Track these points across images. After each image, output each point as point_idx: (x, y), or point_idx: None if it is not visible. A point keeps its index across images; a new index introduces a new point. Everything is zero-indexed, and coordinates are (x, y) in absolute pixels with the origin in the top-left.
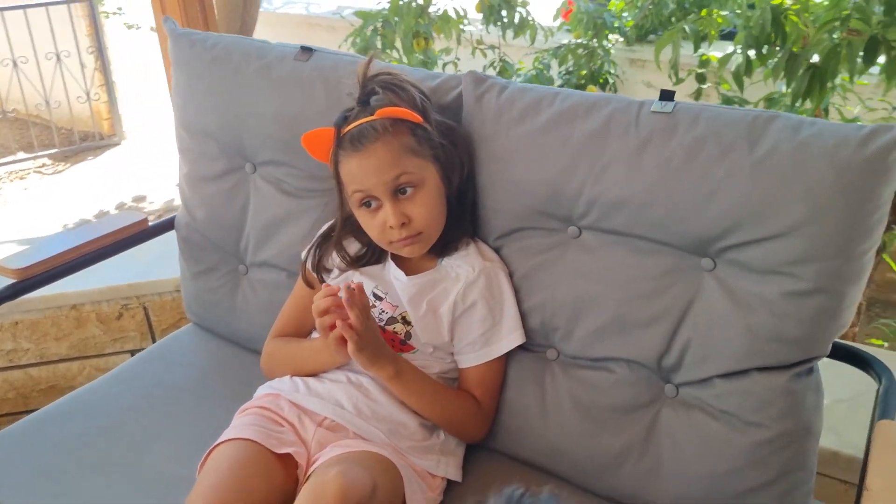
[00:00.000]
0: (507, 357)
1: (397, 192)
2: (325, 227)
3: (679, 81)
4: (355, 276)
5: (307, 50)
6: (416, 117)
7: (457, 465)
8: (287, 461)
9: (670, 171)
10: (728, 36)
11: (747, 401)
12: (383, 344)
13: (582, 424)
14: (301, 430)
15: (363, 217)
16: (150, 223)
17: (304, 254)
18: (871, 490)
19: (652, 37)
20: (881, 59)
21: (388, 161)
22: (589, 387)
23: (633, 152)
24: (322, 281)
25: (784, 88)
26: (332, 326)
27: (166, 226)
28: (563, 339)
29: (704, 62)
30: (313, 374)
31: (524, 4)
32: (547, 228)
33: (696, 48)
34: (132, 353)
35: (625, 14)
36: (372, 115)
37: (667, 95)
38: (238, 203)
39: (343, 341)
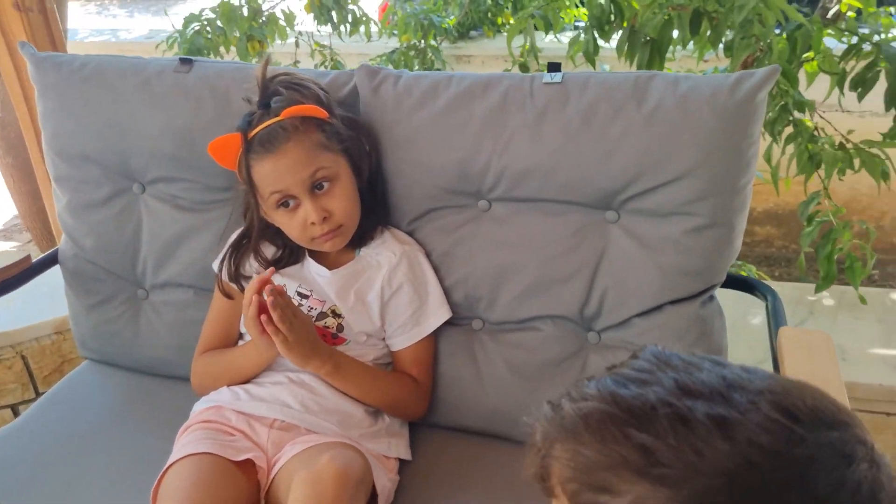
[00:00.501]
0: (436, 334)
1: (314, 188)
2: (234, 236)
3: (524, 69)
4: (276, 279)
5: (186, 61)
6: (323, 113)
7: (405, 444)
8: (247, 467)
9: (570, 136)
10: None
11: (665, 333)
12: (317, 340)
13: (517, 384)
14: (253, 436)
15: (282, 218)
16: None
17: (216, 265)
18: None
19: (473, 33)
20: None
21: (303, 159)
22: (519, 348)
23: (533, 123)
24: (242, 289)
25: (630, 65)
26: (258, 316)
27: (51, 260)
28: (488, 307)
29: (529, 50)
30: (250, 379)
31: (355, 2)
32: (458, 206)
33: (547, 33)
34: (13, 407)
35: (445, 14)
36: (278, 115)
37: (554, 67)
38: (129, 226)
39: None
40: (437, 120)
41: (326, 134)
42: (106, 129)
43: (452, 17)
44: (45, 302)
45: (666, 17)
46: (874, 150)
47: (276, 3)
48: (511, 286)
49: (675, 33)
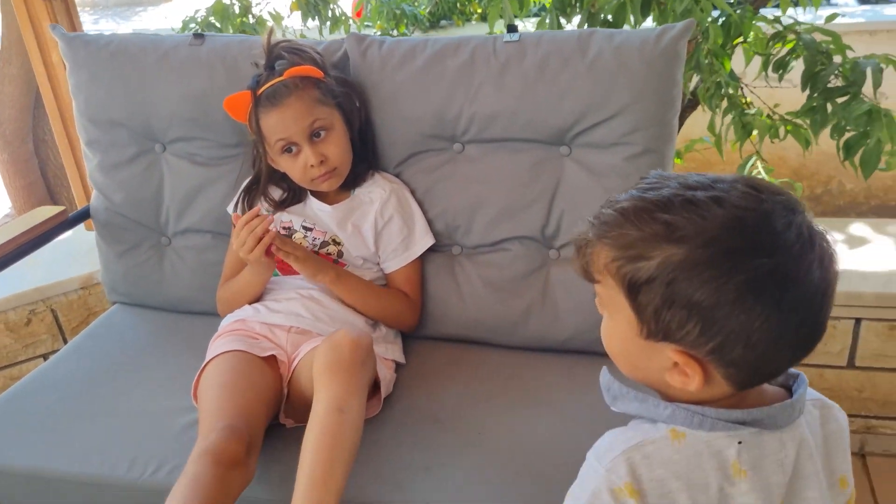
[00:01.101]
0: (422, 259)
1: (313, 136)
2: (245, 182)
3: None
4: (285, 216)
5: (199, 36)
6: (319, 73)
7: (399, 350)
8: (271, 363)
9: (528, 84)
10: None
11: None
12: (319, 258)
13: (492, 296)
14: (274, 339)
15: (286, 162)
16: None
17: (230, 208)
18: None
19: (444, 22)
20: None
21: (303, 111)
22: (492, 266)
23: (497, 75)
24: None
25: None
26: (253, 245)
27: (84, 214)
28: (465, 234)
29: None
30: (259, 296)
31: (335, 1)
32: (436, 149)
33: (519, 13)
34: (45, 356)
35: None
36: (281, 75)
37: (512, 29)
38: (154, 181)
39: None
40: (416, 77)
41: (322, 91)
42: (131, 96)
43: (423, 7)
44: (70, 261)
45: (621, 1)
46: (799, 121)
47: (265, 3)
48: (483, 215)
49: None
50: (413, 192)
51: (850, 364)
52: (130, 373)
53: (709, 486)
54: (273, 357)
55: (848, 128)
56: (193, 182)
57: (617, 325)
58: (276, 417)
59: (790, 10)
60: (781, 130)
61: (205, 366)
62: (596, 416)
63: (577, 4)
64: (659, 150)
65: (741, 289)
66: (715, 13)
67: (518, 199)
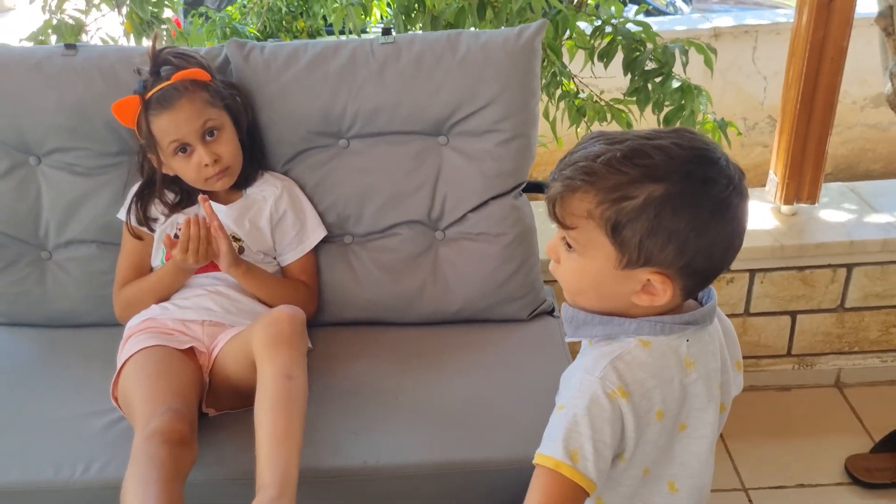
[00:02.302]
0: (316, 251)
1: (205, 135)
2: (135, 188)
3: None
4: (180, 218)
5: (71, 46)
6: (207, 76)
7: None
8: (189, 355)
9: (406, 80)
10: None
11: (491, 221)
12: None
13: (387, 278)
14: (189, 332)
15: (179, 164)
16: None
17: (123, 215)
18: None
19: (271, 40)
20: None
21: (195, 112)
22: (383, 251)
23: (377, 73)
24: (151, 230)
25: None
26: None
27: None
28: (356, 223)
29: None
30: (169, 296)
31: (168, 20)
32: (323, 146)
33: (360, 21)
34: None
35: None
36: (169, 80)
37: (387, 31)
38: (30, 195)
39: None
40: (300, 77)
41: (210, 93)
42: (2, 108)
43: (251, 26)
44: None
45: (459, 6)
46: (620, 107)
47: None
48: (372, 204)
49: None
50: (303, 188)
51: None
52: (31, 386)
53: (673, 379)
54: (191, 349)
55: (666, 103)
56: (75, 193)
57: (591, 261)
58: (199, 408)
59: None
60: (609, 116)
61: (122, 365)
62: (495, 373)
63: (420, 9)
64: (525, 134)
65: (711, 212)
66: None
67: (403, 187)
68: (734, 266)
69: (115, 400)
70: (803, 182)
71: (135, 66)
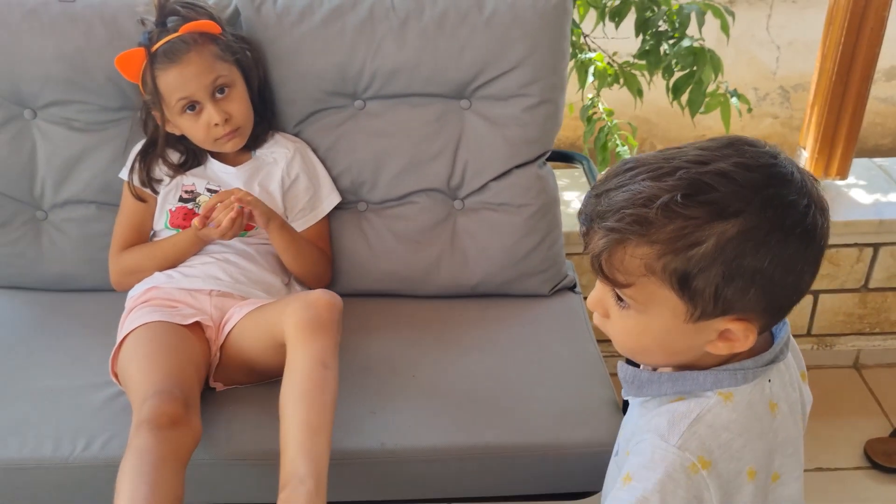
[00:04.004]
0: (329, 218)
1: (215, 93)
2: (138, 147)
3: None
4: (185, 180)
5: None
6: (217, 28)
7: None
8: (194, 329)
9: (428, 39)
10: None
11: (515, 191)
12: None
13: (403, 248)
14: (196, 304)
15: (187, 122)
16: None
17: (125, 174)
18: None
19: None
20: None
21: (205, 67)
22: (400, 219)
23: (398, 30)
24: (154, 192)
25: None
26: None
27: None
28: (371, 189)
29: None
30: (176, 265)
31: None
32: (337, 106)
33: None
34: None
35: None
36: (176, 31)
37: None
38: (24, 151)
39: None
40: (315, 32)
41: (220, 46)
42: None
43: None
44: None
45: None
46: (634, 72)
47: None
48: (389, 169)
49: None
50: (315, 151)
51: None
52: (24, 354)
53: (763, 432)
54: (197, 324)
55: (677, 68)
56: (73, 150)
57: (654, 319)
58: (206, 382)
59: None
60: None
61: (122, 341)
62: (515, 351)
63: None
64: (553, 100)
65: (797, 240)
66: None
67: (422, 153)
68: None
69: (115, 376)
70: (833, 157)
71: (139, 15)
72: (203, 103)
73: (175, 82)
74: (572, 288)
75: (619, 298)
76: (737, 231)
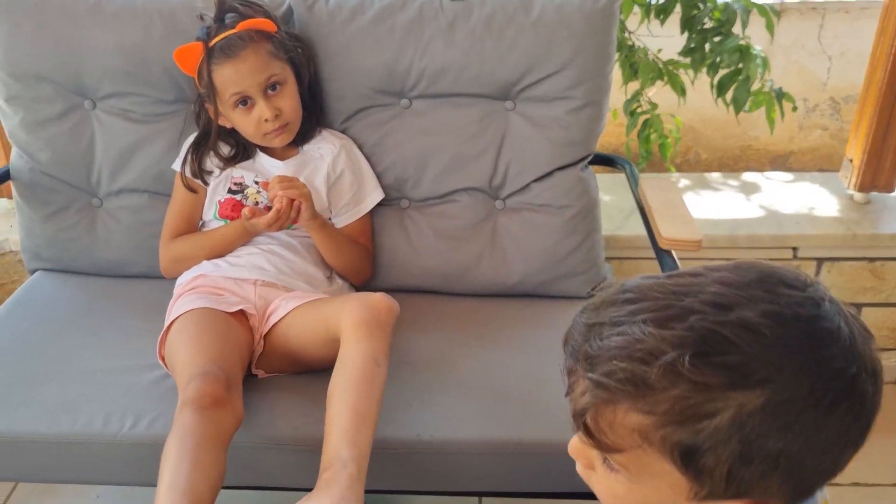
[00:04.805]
0: (371, 213)
1: (267, 89)
2: (191, 139)
3: None
4: (235, 172)
5: None
6: (273, 26)
7: None
8: (239, 318)
9: (476, 40)
10: None
11: (556, 192)
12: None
13: (443, 245)
14: (241, 292)
15: (239, 116)
16: None
17: (178, 165)
18: (654, 206)
19: None
20: None
21: (260, 64)
22: (441, 217)
23: (446, 30)
24: (205, 183)
25: None
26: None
27: (3, 176)
28: (414, 186)
29: None
30: (225, 254)
31: None
32: (384, 104)
33: None
34: None
35: None
36: (234, 28)
37: None
38: (83, 140)
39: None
40: (366, 30)
41: (275, 44)
42: (59, 49)
43: None
44: None
45: None
46: (677, 71)
47: None
48: (433, 167)
49: None
50: (361, 148)
51: None
52: (78, 335)
53: None
54: (241, 312)
55: (722, 66)
56: (129, 140)
57: (649, 491)
58: (248, 369)
59: None
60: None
61: (169, 326)
62: (552, 352)
63: None
64: (598, 102)
65: (842, 417)
66: None
67: (466, 152)
68: (801, 253)
69: (162, 360)
70: (881, 169)
71: (197, 10)
72: (255, 99)
73: (230, 77)
74: None
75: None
76: (761, 404)
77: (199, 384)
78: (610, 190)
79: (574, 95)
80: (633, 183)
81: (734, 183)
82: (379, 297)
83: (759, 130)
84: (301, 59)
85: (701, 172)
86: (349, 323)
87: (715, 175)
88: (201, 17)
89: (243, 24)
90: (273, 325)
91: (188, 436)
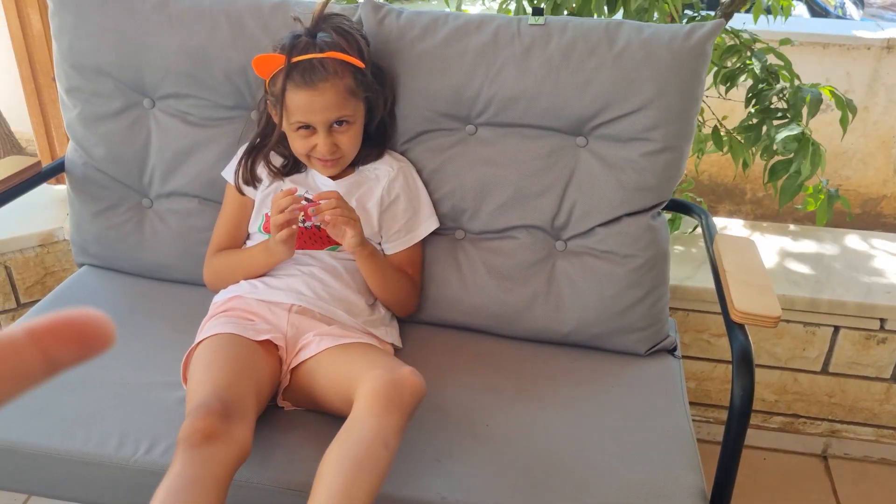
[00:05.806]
0: (423, 242)
1: (333, 124)
2: (245, 145)
3: None
4: (285, 184)
5: None
6: (360, 64)
7: (397, 334)
8: (267, 347)
9: (552, 69)
10: None
11: (622, 240)
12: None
13: (495, 284)
14: (273, 319)
15: (295, 137)
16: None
17: (228, 174)
18: (729, 271)
19: None
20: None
21: (335, 103)
22: (497, 254)
23: (520, 57)
24: (255, 187)
25: None
26: (287, 223)
27: (59, 168)
28: (471, 218)
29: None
30: (261, 275)
31: None
32: (448, 129)
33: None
34: None
35: None
36: (322, 51)
37: (538, 11)
38: (139, 138)
39: (289, 236)
40: (436, 50)
41: (357, 82)
42: (123, 45)
43: None
44: (28, 216)
45: None
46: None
47: None
48: (492, 200)
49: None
50: (419, 172)
51: (825, 370)
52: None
53: None
54: (269, 341)
55: (779, 153)
56: (184, 143)
57: None
58: (273, 401)
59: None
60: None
61: (194, 347)
62: (601, 414)
63: None
64: (677, 147)
65: None
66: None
67: (529, 187)
68: (890, 325)
69: (185, 381)
70: None
71: (294, 13)
72: (318, 130)
73: (301, 106)
74: (672, 350)
75: None
76: None
77: (192, 420)
78: (682, 238)
79: (652, 138)
80: (709, 237)
81: (821, 234)
82: (407, 373)
83: (851, 171)
84: (377, 99)
85: (784, 223)
86: (368, 390)
87: (799, 227)
88: (299, 20)
89: (332, 54)
90: (301, 362)
91: (178, 478)
